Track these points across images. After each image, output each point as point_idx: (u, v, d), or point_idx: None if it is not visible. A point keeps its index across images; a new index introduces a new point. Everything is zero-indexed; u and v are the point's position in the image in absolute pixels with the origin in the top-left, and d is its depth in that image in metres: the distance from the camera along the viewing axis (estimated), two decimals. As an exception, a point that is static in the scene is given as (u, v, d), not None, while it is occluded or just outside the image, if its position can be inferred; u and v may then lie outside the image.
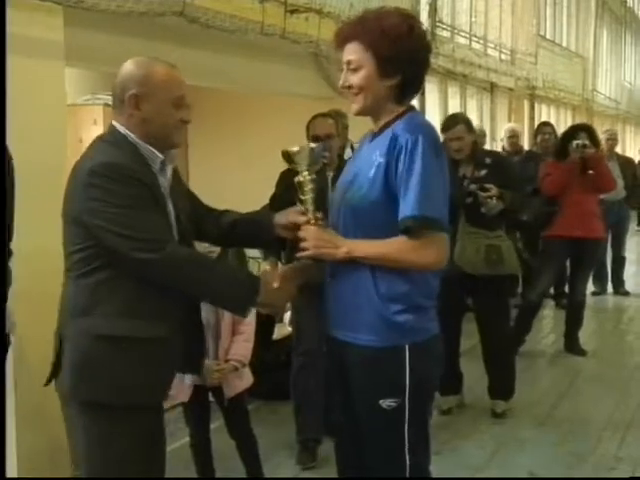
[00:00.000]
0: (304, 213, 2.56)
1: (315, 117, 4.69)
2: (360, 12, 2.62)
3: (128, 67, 2.52)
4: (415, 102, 10.85)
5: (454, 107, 11.08)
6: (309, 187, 2.54)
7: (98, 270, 2.42)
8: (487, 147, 10.09)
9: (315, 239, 2.50)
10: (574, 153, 6.39)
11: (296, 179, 2.58)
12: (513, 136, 8.84)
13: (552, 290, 8.51)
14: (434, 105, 10.58)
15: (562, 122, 16.46)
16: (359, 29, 2.52)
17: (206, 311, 3.77)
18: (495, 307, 5.14)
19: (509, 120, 12.72)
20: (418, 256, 2.43)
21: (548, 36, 16.20)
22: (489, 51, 12.44)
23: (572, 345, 6.90)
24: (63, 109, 4.37)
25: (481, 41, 12.10)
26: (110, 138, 2.50)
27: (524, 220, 6.59)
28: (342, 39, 2.56)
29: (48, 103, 4.15)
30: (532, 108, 14.67)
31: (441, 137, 4.89)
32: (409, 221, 2.39)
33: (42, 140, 4.06)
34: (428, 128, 2.54)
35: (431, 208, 2.40)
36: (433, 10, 9.65)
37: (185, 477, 4.06)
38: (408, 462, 2.52)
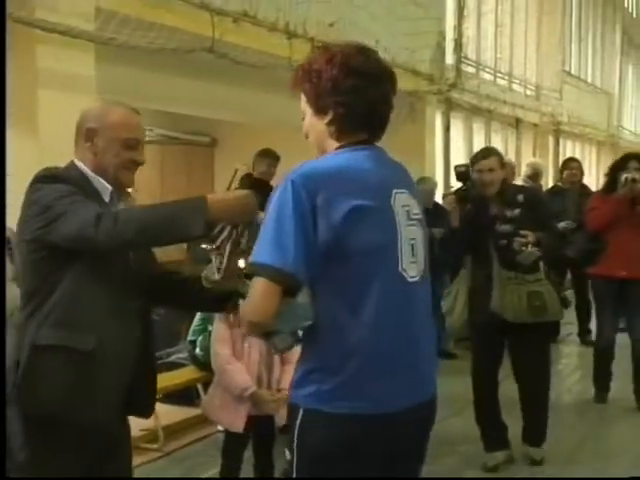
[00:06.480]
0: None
1: None
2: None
3: (92, 106, 2.74)
4: (439, 138, 10.83)
5: (479, 143, 11.12)
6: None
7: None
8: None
9: None
10: (622, 189, 5.83)
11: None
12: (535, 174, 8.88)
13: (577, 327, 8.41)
14: (459, 140, 10.64)
15: (587, 158, 16.45)
16: (294, 76, 2.41)
17: (259, 343, 3.81)
18: (537, 353, 4.84)
19: (534, 155, 12.74)
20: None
21: (573, 72, 16.25)
22: (514, 87, 12.52)
23: None
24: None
25: (506, 77, 12.18)
26: (62, 171, 2.60)
27: (568, 256, 6.36)
28: (294, 90, 2.43)
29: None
30: (557, 144, 14.67)
31: (472, 171, 4.84)
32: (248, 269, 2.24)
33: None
34: (307, 168, 2.22)
35: (261, 253, 2.14)
36: (458, 46, 9.74)
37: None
38: None
